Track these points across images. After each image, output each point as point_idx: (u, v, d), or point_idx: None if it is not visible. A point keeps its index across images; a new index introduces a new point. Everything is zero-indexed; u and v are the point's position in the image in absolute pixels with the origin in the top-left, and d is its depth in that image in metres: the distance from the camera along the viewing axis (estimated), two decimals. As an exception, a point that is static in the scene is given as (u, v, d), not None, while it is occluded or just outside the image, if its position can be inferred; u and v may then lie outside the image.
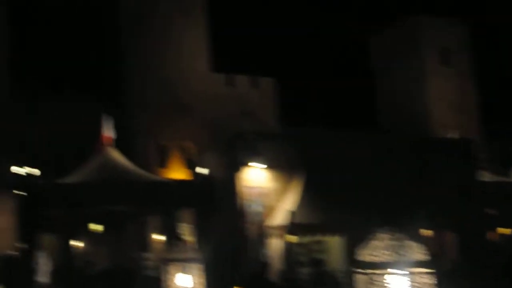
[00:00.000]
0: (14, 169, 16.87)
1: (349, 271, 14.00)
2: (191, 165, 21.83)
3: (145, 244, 20.28)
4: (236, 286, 11.16)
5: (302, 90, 41.73)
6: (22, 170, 16.99)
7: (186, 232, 17.35)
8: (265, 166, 15.91)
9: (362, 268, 3.99)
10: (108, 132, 16.30)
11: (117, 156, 16.23)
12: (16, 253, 15.06)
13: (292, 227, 14.76)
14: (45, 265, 15.66)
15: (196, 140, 27.53)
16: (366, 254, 3.99)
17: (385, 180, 15.33)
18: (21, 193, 13.96)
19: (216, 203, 15.90)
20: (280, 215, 15.54)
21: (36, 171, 17.67)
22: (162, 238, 19.93)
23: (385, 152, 16.63)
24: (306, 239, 15.42)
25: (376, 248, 3.96)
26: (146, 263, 18.46)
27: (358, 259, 4.04)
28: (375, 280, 3.91)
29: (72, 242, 21.66)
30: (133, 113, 28.00)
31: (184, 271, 7.08)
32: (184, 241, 8.35)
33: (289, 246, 15.10)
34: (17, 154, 18.86)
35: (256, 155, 15.67)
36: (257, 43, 46.13)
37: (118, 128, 17.35)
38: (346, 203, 14.79)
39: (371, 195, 14.67)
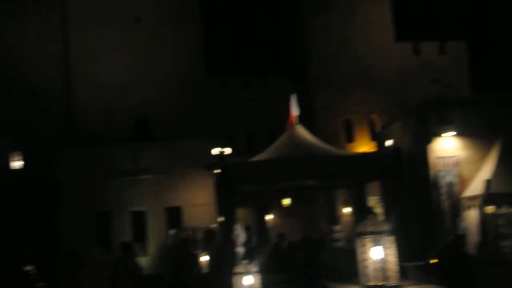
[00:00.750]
0: (213, 150, 18.24)
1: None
2: (377, 138, 21.49)
3: (334, 217, 20.54)
4: (432, 259, 10.82)
5: (494, 52, 38.55)
6: (218, 150, 18.27)
7: (375, 204, 17.22)
8: (457, 134, 15.13)
9: None
10: (295, 109, 16.66)
11: (303, 132, 16.52)
12: (216, 225, 16.25)
13: (489, 197, 13.86)
14: (241, 237, 16.68)
15: (382, 112, 27.10)
16: None
17: None
18: (217, 171, 14.90)
19: (404, 174, 15.45)
20: (476, 185, 14.67)
21: (229, 150, 18.88)
22: (350, 211, 20.02)
23: None
24: (506, 209, 14.39)
25: None
26: (335, 235, 18.71)
27: None
28: None
29: (266, 216, 22.82)
30: (318, 89, 28.41)
31: (376, 243, 7.04)
32: (376, 214, 8.27)
33: (487, 218, 14.17)
34: (213, 135, 20.29)
35: (448, 123, 14.94)
36: (443, 7, 43.42)
37: (304, 104, 17.71)
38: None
39: None
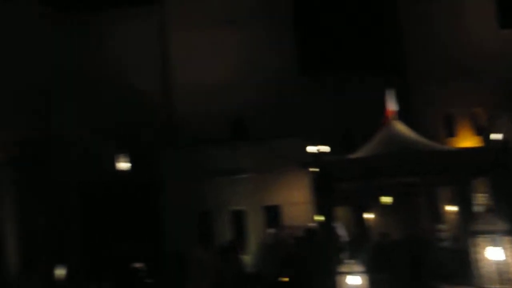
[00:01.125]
0: (309, 148, 18.18)
1: None
2: (482, 132, 20.46)
3: (437, 215, 19.81)
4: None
5: None
6: (314, 148, 18.18)
7: (482, 202, 16.40)
8: None
9: None
10: (392, 105, 16.24)
11: (402, 128, 16.08)
12: (315, 225, 16.15)
13: None
14: (342, 236, 16.48)
15: (486, 104, 25.76)
16: None
17: None
18: (314, 169, 14.81)
19: (513, 170, 14.58)
20: None
21: (326, 148, 18.71)
22: (455, 209, 19.19)
23: None
24: None
25: None
26: (440, 234, 18.01)
27: None
28: None
29: (365, 214, 22.41)
30: (416, 83, 27.51)
31: (493, 244, 6.64)
32: (489, 213, 7.81)
33: None
34: (310, 134, 20.20)
35: None
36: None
37: (401, 99, 17.18)
38: None
39: None
